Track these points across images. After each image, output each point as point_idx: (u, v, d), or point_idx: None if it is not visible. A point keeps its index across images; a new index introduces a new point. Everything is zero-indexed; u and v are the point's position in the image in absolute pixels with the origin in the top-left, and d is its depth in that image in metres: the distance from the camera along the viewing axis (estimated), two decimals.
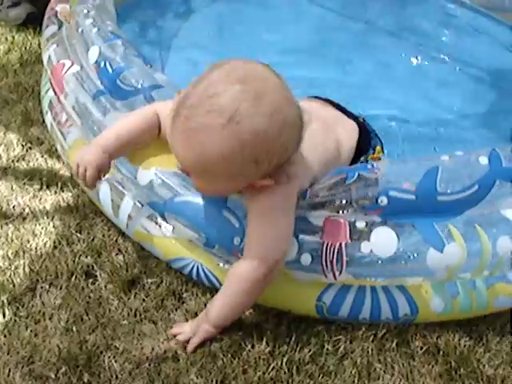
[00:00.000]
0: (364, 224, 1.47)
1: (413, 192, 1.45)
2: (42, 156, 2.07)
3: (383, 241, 1.46)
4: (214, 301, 1.50)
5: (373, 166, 1.49)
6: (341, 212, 1.47)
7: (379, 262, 1.46)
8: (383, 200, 1.45)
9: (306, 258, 1.47)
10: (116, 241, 1.75)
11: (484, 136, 2.24)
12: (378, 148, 1.77)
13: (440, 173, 1.45)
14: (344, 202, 1.45)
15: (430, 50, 2.72)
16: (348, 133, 1.71)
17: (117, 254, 1.72)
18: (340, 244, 1.46)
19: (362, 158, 1.72)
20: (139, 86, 1.68)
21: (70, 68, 1.91)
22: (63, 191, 1.92)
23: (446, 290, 1.54)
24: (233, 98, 1.29)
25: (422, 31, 2.80)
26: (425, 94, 2.47)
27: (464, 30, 2.91)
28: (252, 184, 1.40)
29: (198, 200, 1.51)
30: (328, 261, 1.46)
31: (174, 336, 1.51)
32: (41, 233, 1.78)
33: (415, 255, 1.46)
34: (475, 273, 1.51)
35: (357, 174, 1.46)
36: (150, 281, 1.65)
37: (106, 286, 1.63)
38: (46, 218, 1.83)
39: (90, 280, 1.65)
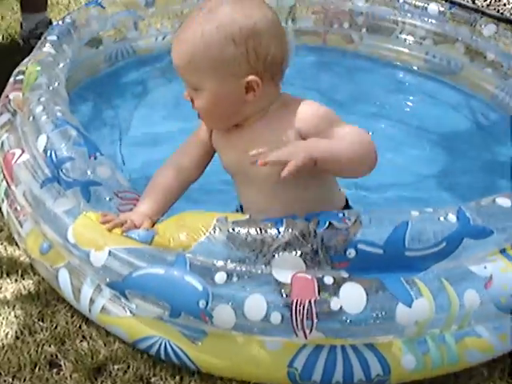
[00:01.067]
0: (332, 280, 1.46)
1: (381, 246, 1.46)
2: (2, 243, 2.04)
3: (352, 296, 1.46)
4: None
5: (344, 215, 1.49)
6: (307, 261, 1.46)
7: (349, 318, 1.44)
8: (351, 252, 1.45)
9: (276, 317, 1.45)
10: (80, 327, 1.71)
11: (440, 197, 2.29)
12: None
13: (409, 228, 1.47)
14: (311, 249, 1.45)
15: (382, 116, 2.80)
16: (339, 194, 1.73)
17: (81, 341, 1.68)
18: (309, 301, 1.45)
19: None
20: (78, 179, 1.69)
21: (20, 157, 1.91)
22: (24, 279, 1.89)
23: (416, 346, 1.53)
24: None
25: (373, 99, 2.89)
26: (380, 158, 2.52)
27: (414, 94, 3.01)
28: (248, 86, 1.48)
29: (158, 270, 1.50)
30: (298, 319, 1.45)
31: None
32: (2, 323, 1.73)
33: (384, 311, 1.45)
34: (444, 327, 1.52)
35: (328, 222, 1.46)
36: (116, 367, 1.61)
37: (71, 376, 1.59)
38: (6, 307, 1.78)
39: (55, 370, 1.60)
